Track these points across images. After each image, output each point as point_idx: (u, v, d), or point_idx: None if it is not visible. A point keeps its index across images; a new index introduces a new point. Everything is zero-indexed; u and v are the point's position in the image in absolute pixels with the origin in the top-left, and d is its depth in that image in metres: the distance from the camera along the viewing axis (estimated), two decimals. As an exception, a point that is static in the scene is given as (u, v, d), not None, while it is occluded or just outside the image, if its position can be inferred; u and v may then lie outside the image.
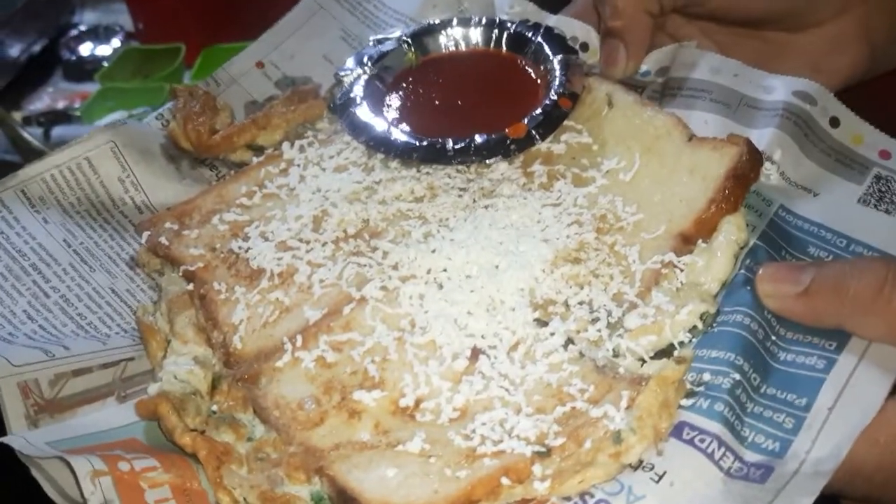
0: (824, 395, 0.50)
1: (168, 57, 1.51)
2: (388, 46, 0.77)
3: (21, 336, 0.57)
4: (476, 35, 0.77)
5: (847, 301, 0.51)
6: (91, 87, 1.40)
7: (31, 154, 1.06)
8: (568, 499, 0.48)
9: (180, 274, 0.64)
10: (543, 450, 0.49)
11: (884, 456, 0.47)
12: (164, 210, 0.69)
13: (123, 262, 0.67)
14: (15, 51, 1.35)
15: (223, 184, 0.71)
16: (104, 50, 1.50)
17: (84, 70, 1.46)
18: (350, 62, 0.76)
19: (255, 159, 0.74)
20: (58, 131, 1.32)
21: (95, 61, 1.48)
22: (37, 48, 1.39)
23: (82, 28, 1.55)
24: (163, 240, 0.66)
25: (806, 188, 0.64)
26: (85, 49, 1.51)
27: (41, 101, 1.43)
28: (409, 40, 0.77)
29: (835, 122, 0.65)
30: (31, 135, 1.20)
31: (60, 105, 1.41)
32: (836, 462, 0.46)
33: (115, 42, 1.52)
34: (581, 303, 0.59)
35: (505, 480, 0.48)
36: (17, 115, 1.36)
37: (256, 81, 0.81)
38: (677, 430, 0.49)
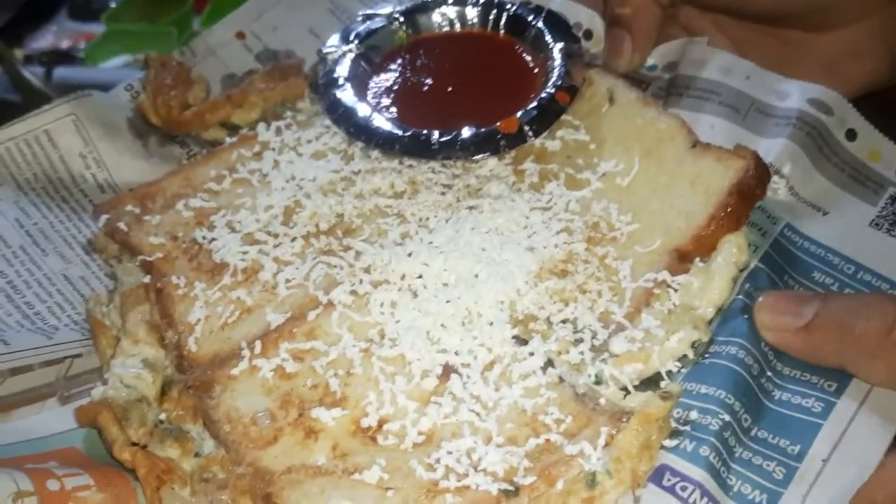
0: (820, 444, 0.46)
1: (178, 0, 1.44)
2: (377, 23, 0.71)
3: None
4: (473, 14, 0.72)
5: (851, 341, 0.47)
6: (96, 28, 1.33)
7: (31, 94, 1.00)
8: (533, 545, 0.44)
9: (137, 264, 0.60)
10: (511, 489, 0.45)
11: None
12: (125, 191, 0.65)
13: (79, 246, 0.63)
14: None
15: (191, 165, 0.66)
16: (112, -11, 1.44)
17: (90, 10, 1.39)
18: (335, 38, 0.70)
19: (228, 139, 0.69)
20: (60, 72, 1.26)
21: (102, 1, 1.42)
22: (41, -16, 1.34)
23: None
24: (121, 225, 0.61)
25: (815, 206, 0.59)
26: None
27: (44, 40, 1.37)
28: (401, 17, 0.72)
29: (851, 134, 0.60)
30: (33, 74, 1.15)
31: (64, 45, 1.35)
32: None
33: (122, -17, 1.45)
34: (565, 321, 0.54)
35: (466, 525, 0.44)
36: (19, 53, 1.31)
37: (236, 53, 0.76)
38: (657, 475, 0.45)
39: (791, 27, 0.69)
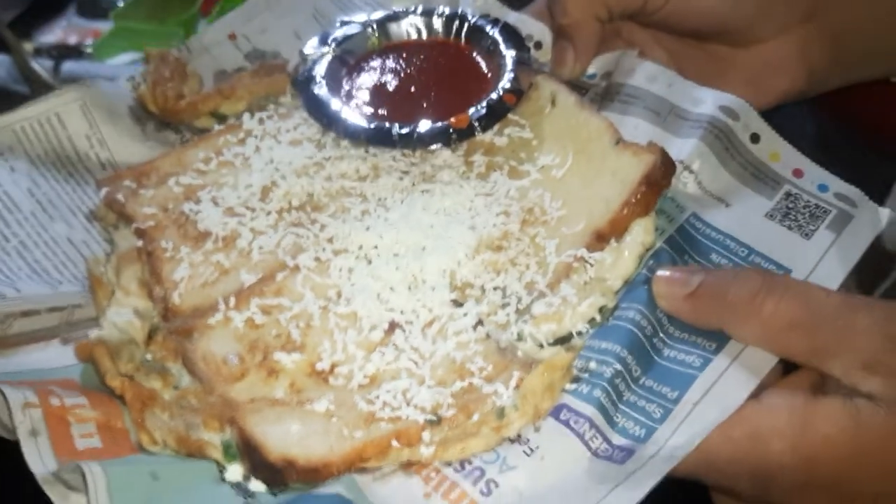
0: (694, 391, 0.55)
1: (185, 2, 1.52)
2: (353, 29, 0.81)
3: None
4: (438, 24, 0.81)
5: (727, 306, 0.55)
6: (105, 26, 1.37)
7: (39, 86, 1.06)
8: (449, 464, 0.53)
9: (132, 231, 0.69)
10: (435, 419, 0.54)
11: (736, 450, 0.52)
12: (124, 169, 0.74)
13: (82, 215, 0.72)
14: (27, -20, 1.36)
15: (183, 148, 0.76)
16: (121, -10, 1.50)
17: (99, 7, 1.45)
18: (315, 41, 0.80)
19: (217, 127, 0.78)
20: (68, 66, 1.30)
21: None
22: (53, -20, 1.41)
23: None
24: (119, 196, 0.70)
25: (720, 199, 0.68)
26: (101, -15, 1.51)
27: (53, 34, 1.42)
28: (374, 25, 0.81)
29: (755, 137, 0.69)
30: (42, 66, 1.21)
31: (72, 40, 1.40)
32: (688, 450, 0.51)
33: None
34: (496, 288, 0.63)
35: (395, 444, 0.53)
36: (28, 46, 1.37)
37: (227, 52, 0.85)
38: (556, 411, 0.54)
39: (718, 43, 0.78)
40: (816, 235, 0.64)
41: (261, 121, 0.77)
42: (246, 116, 0.77)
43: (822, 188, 0.67)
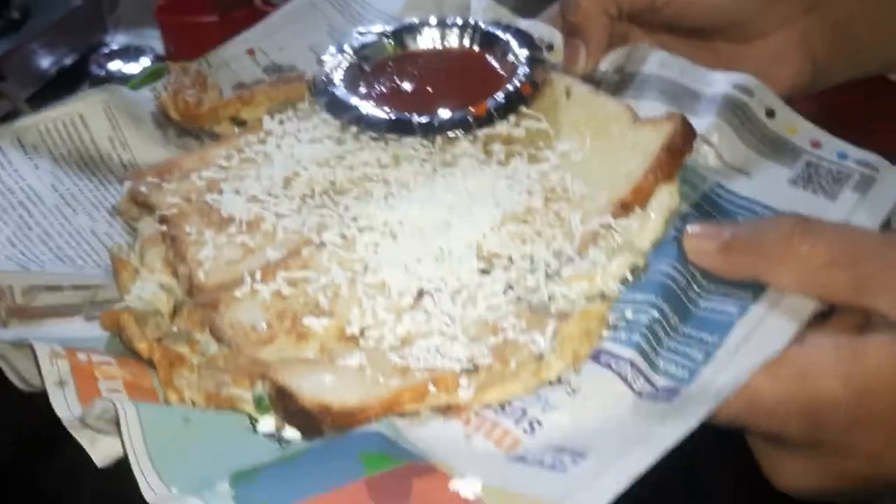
0: (734, 335, 0.54)
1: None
2: (369, 38, 0.83)
3: (1, 257, 0.62)
4: (451, 34, 0.84)
5: (761, 253, 0.55)
6: None
7: None
8: (488, 406, 0.51)
9: (156, 219, 0.69)
10: (472, 367, 0.53)
11: (785, 390, 0.51)
12: (148, 166, 0.74)
13: (105, 210, 0.72)
14: (46, 62, 1.40)
15: (205, 148, 0.77)
16: (133, 68, 1.54)
17: (109, 82, 1.50)
18: (333, 49, 0.82)
19: (237, 129, 0.79)
20: None
21: (123, 78, 1.52)
22: (67, 62, 1.45)
23: (114, 47, 1.61)
24: (143, 188, 0.71)
25: (740, 170, 0.68)
26: (114, 66, 1.55)
27: None
28: (390, 35, 0.83)
29: (771, 113, 0.71)
30: None
31: None
32: (735, 388, 0.49)
33: (145, 61, 1.56)
34: (523, 257, 0.63)
35: (432, 389, 0.51)
36: None
37: (246, 66, 0.87)
38: (595, 356, 0.53)
39: (722, 40, 0.81)
40: (841, 196, 0.64)
41: (280, 122, 0.78)
42: (265, 118, 0.79)
43: (842, 156, 0.68)
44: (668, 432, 0.46)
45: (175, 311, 0.61)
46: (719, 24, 0.79)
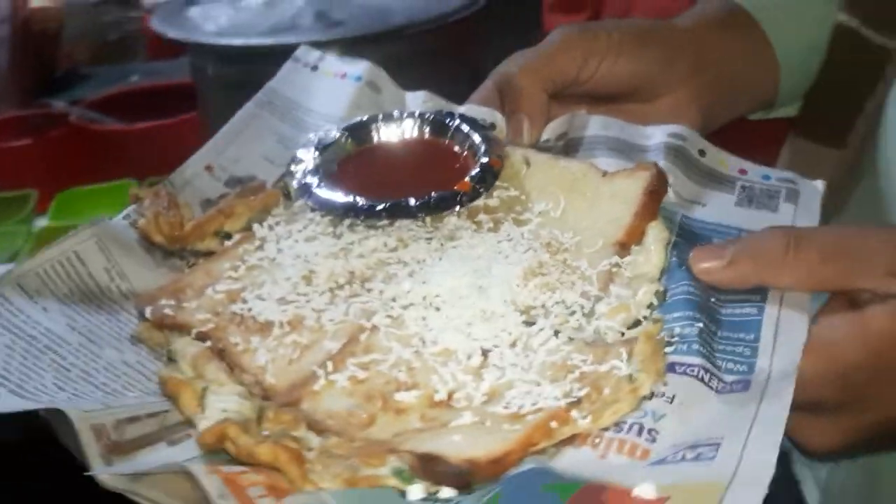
0: (765, 330, 0.64)
1: (18, 203, 1.54)
2: (329, 139, 0.88)
3: (61, 402, 0.60)
4: (401, 126, 0.91)
5: (763, 261, 0.67)
6: None
7: None
8: (606, 429, 0.57)
9: (193, 337, 0.69)
10: (574, 399, 0.59)
11: (818, 364, 0.62)
12: (156, 288, 0.74)
13: (125, 339, 0.70)
14: None
15: (208, 262, 0.77)
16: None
17: None
18: (298, 153, 0.86)
19: (227, 242, 0.81)
20: None
21: None
22: None
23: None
24: (167, 311, 0.70)
25: (695, 202, 0.81)
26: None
27: None
28: (346, 133, 0.89)
29: (702, 152, 0.85)
30: None
31: None
32: (795, 366, 0.60)
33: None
34: (557, 303, 0.71)
35: (553, 424, 0.57)
36: None
37: (207, 182, 0.89)
38: (670, 368, 0.61)
39: (631, 102, 0.95)
40: (781, 208, 0.78)
41: (270, 227, 0.81)
42: (255, 226, 0.81)
43: (766, 177, 0.83)
44: (769, 412, 0.55)
45: (258, 417, 0.62)
46: (627, 90, 0.94)
